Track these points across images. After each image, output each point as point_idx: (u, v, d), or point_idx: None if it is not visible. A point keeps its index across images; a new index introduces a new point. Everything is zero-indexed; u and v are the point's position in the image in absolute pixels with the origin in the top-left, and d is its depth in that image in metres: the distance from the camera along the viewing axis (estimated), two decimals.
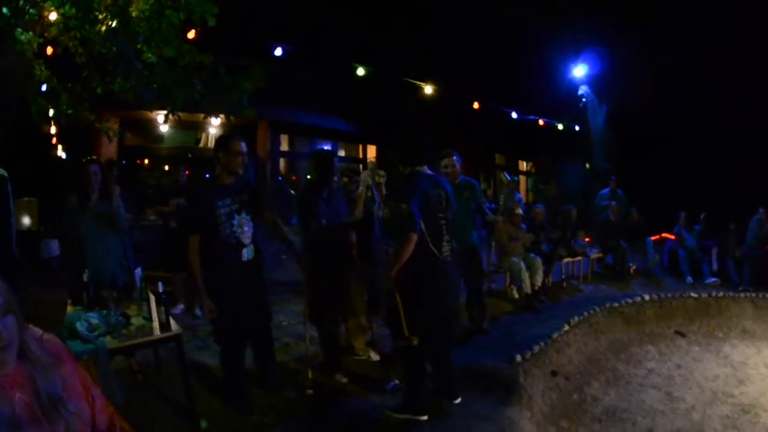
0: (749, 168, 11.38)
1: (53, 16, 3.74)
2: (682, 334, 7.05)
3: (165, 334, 3.19)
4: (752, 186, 10.22)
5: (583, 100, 14.18)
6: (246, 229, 3.46)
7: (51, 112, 4.53)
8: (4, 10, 3.51)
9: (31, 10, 3.61)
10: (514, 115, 12.41)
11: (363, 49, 9.99)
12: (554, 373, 4.99)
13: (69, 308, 3.49)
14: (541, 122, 13.26)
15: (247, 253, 3.49)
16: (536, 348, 5.01)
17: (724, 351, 6.69)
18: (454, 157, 5.28)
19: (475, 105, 11.19)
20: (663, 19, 11.72)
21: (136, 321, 3.35)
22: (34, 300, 3.13)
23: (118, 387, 3.11)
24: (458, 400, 3.88)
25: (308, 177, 12.29)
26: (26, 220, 7.47)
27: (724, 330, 7.39)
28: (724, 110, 12.10)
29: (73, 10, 3.63)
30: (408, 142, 3.60)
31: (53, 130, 6.61)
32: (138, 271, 3.99)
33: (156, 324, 3.25)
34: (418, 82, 9.61)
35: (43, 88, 4.38)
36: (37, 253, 7.00)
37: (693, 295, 7.68)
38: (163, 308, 3.19)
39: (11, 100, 4.07)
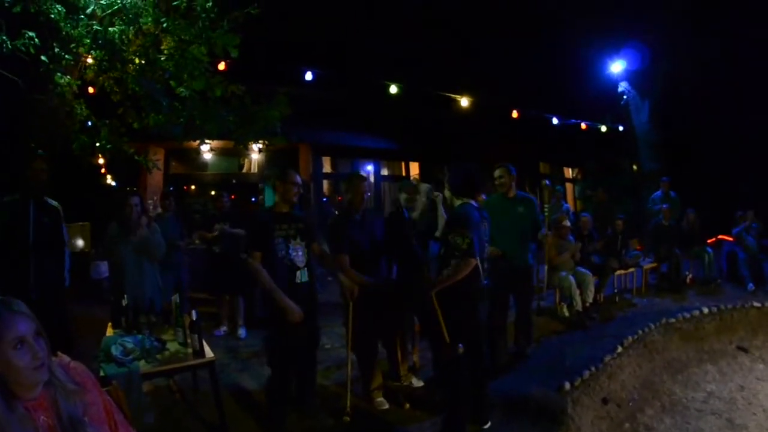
0: None
1: (90, 60, 3.96)
2: (745, 350, 6.58)
3: (198, 361, 3.29)
4: None
5: (624, 97, 13.51)
6: (300, 253, 3.68)
7: (98, 145, 4.77)
8: (42, 57, 3.78)
9: (66, 56, 3.85)
10: (555, 120, 12.02)
11: (398, 65, 9.97)
12: (605, 401, 4.70)
13: (108, 331, 3.70)
14: (583, 125, 12.80)
15: (301, 276, 3.67)
16: (586, 373, 4.73)
17: None
18: (508, 168, 5.15)
19: (515, 114, 10.91)
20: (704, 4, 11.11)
21: (171, 346, 3.44)
22: (81, 318, 3.32)
23: (147, 410, 3.29)
24: (488, 425, 3.82)
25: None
26: (80, 243, 7.95)
27: None
28: None
29: (102, 53, 3.87)
30: (460, 176, 3.73)
31: (101, 161, 7.02)
32: (175, 297, 4.06)
33: (191, 350, 3.34)
34: (454, 96, 9.48)
35: (87, 124, 4.62)
36: (89, 274, 7.38)
37: (756, 304, 7.14)
38: (196, 335, 3.27)
39: (56, 138, 4.32)
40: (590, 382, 4.73)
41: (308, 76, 7.53)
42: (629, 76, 13.19)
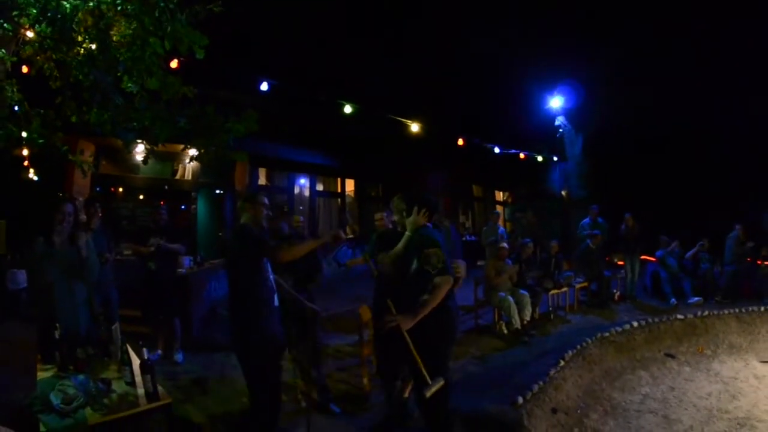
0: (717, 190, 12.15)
1: (30, 34, 3.36)
2: (672, 356, 7.13)
3: (152, 405, 2.81)
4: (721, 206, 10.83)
5: (560, 130, 14.50)
6: (273, 277, 3.57)
7: (24, 134, 4.09)
8: None
9: (5, 25, 3.24)
10: (496, 150, 12.52)
11: (344, 84, 9.99)
12: (554, 411, 4.88)
13: (39, 372, 3.06)
14: (522, 155, 13.45)
15: (276, 299, 3.55)
16: (536, 387, 4.91)
17: (714, 368, 6.81)
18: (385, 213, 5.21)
19: (460, 142, 11.25)
20: (633, 49, 12.30)
21: (117, 387, 2.93)
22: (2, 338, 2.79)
23: None
24: None
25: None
26: None
27: (712, 347, 7.55)
28: (692, 137, 12.87)
29: (49, 30, 3.32)
30: (429, 198, 3.60)
31: (25, 152, 6.12)
32: (116, 328, 3.62)
33: (141, 391, 2.88)
34: (398, 118, 9.59)
35: (15, 110, 3.93)
36: (4, 283, 6.46)
37: (679, 317, 7.83)
38: (149, 376, 2.83)
39: None
40: (540, 395, 4.90)
41: (263, 86, 7.34)
42: (566, 111, 14.19)
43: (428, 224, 3.52)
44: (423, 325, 3.09)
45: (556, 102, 14.12)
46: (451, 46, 12.69)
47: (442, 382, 3.05)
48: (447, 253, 3.32)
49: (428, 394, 3.00)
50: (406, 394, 4.21)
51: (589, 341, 6.52)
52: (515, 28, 12.81)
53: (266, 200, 3.67)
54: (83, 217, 5.61)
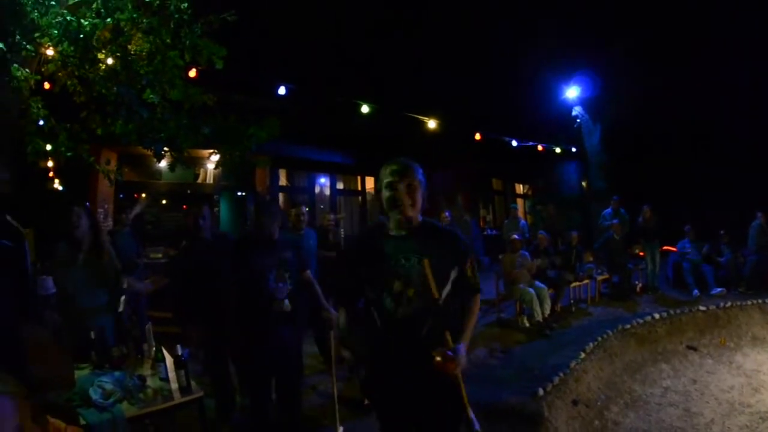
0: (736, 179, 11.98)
1: (51, 52, 3.52)
2: (694, 349, 7.05)
3: (186, 398, 2.94)
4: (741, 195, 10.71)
5: (578, 121, 14.37)
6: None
7: (48, 147, 4.18)
8: (0, 44, 3.29)
9: (28, 46, 3.37)
10: (514, 143, 12.54)
11: (362, 83, 10.09)
12: (575, 402, 4.92)
13: (77, 371, 3.21)
14: (540, 148, 13.40)
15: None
16: (556, 379, 4.97)
17: (737, 361, 6.70)
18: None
19: (477, 136, 11.30)
20: (653, 36, 12.17)
21: (152, 382, 3.09)
22: (40, 344, 2.93)
23: None
24: None
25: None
26: None
27: (735, 339, 7.41)
28: (710, 126, 12.76)
29: (72, 49, 3.47)
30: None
31: (50, 163, 6.34)
32: (149, 327, 3.78)
33: (175, 386, 3.03)
34: (417, 116, 9.68)
35: (39, 124, 4.06)
36: (35, 289, 6.69)
37: (701, 308, 7.72)
38: (183, 371, 2.97)
39: (9, 138, 3.79)
40: (560, 387, 4.97)
41: (281, 90, 7.52)
42: (583, 101, 14.05)
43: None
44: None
45: (572, 92, 13.95)
46: (466, 40, 12.66)
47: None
48: None
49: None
50: None
51: (610, 333, 6.52)
52: (530, 18, 12.74)
53: (274, 209, 3.65)
54: (109, 223, 5.90)
